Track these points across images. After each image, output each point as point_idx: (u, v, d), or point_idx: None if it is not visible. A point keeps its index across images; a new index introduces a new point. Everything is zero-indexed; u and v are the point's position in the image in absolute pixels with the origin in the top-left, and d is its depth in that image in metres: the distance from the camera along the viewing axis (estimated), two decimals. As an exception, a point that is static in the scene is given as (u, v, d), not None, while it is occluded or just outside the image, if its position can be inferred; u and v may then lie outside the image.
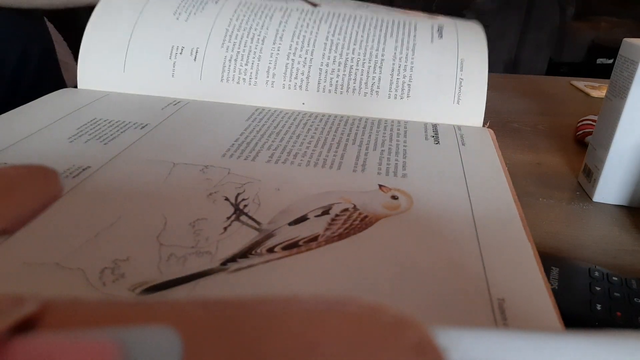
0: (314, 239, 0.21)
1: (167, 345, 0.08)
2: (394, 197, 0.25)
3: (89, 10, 0.40)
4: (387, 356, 0.08)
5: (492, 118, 0.53)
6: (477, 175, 0.28)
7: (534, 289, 0.19)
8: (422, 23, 0.39)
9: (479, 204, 0.25)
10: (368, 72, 0.36)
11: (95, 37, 0.39)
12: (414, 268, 0.20)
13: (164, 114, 0.34)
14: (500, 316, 0.18)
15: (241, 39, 0.38)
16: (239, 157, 0.28)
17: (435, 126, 0.34)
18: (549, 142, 0.46)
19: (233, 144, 0.30)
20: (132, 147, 0.29)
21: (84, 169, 0.26)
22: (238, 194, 0.25)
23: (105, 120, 0.33)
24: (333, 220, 0.23)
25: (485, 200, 0.26)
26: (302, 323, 0.08)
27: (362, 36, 0.38)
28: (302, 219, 0.23)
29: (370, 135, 0.32)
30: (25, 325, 0.08)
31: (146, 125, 0.32)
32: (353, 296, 0.09)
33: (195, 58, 0.38)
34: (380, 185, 0.26)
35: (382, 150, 0.30)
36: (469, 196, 0.26)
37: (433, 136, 0.33)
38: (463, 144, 0.31)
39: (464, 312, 0.18)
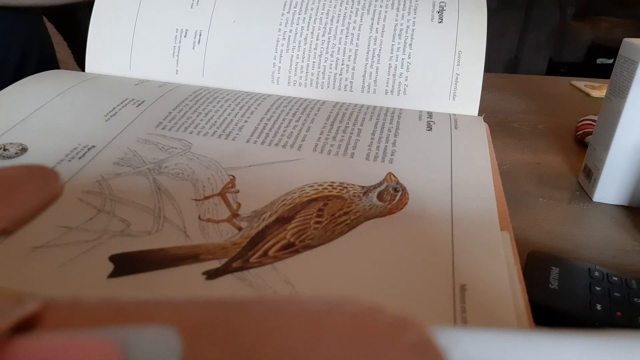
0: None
1: (167, 345, 0.08)
2: (396, 190, 0.25)
3: (87, 11, 0.40)
4: (387, 356, 0.08)
5: (492, 118, 0.53)
6: (464, 162, 0.28)
7: (498, 278, 0.20)
8: (423, 2, 0.38)
9: (459, 192, 0.25)
10: (365, 70, 0.36)
11: (100, 26, 0.39)
12: (390, 253, 0.21)
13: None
14: (460, 300, 0.18)
15: (245, 33, 0.38)
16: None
17: (430, 113, 0.34)
18: (548, 142, 0.46)
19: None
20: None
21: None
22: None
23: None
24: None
25: (466, 188, 0.26)
26: (301, 323, 0.08)
27: (363, 19, 0.37)
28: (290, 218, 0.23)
29: (363, 121, 0.32)
30: (25, 325, 0.08)
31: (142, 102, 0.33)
32: (352, 296, 0.09)
33: (199, 41, 0.38)
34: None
35: (372, 133, 0.30)
36: (451, 182, 0.27)
37: (427, 121, 0.33)
38: (455, 128, 0.32)
39: (426, 295, 0.18)
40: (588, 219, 0.32)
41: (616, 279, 0.23)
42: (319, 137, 0.30)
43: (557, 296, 0.22)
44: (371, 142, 0.29)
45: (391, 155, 0.28)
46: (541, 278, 0.23)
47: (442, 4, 0.37)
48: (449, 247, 0.21)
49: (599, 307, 0.21)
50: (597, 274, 0.23)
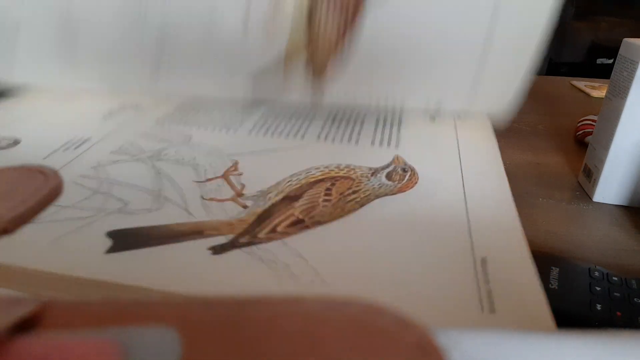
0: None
1: (167, 345, 0.08)
2: (404, 170, 0.25)
3: None
4: (387, 356, 0.08)
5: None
6: (471, 146, 0.28)
7: (518, 251, 0.20)
8: None
9: (469, 171, 0.26)
10: None
11: None
12: (405, 227, 0.21)
13: None
14: (483, 273, 0.18)
15: None
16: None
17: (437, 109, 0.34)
18: (548, 142, 0.46)
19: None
20: None
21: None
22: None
23: None
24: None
25: (475, 168, 0.26)
26: (302, 323, 0.08)
27: None
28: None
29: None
30: (25, 325, 0.08)
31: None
32: (353, 297, 0.09)
33: None
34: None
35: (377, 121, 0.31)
36: (460, 164, 0.27)
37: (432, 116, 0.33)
38: (459, 118, 0.32)
39: (446, 270, 0.18)
40: (588, 219, 0.32)
41: (616, 279, 0.23)
42: (322, 127, 0.30)
43: (557, 296, 0.22)
44: (375, 129, 0.29)
45: (397, 140, 0.29)
46: (541, 278, 0.23)
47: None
48: (464, 222, 0.21)
49: (599, 307, 0.21)
50: (597, 274, 0.23)
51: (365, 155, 0.27)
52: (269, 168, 0.26)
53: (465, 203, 0.23)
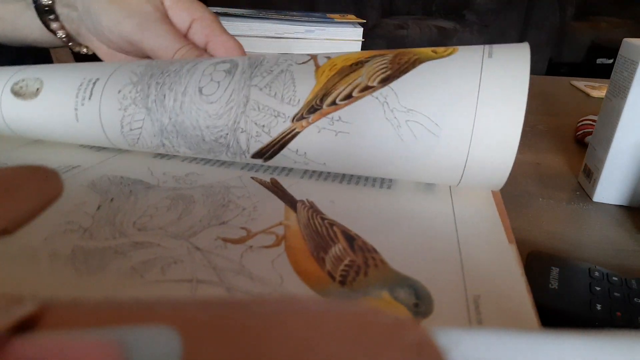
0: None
1: (167, 345, 0.08)
2: None
3: None
4: (387, 356, 0.08)
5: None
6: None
7: (513, 288, 0.20)
8: None
9: (462, 213, 0.26)
10: None
11: None
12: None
13: None
14: (475, 312, 0.18)
15: None
16: None
17: None
18: (548, 142, 0.46)
19: None
20: None
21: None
22: None
23: None
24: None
25: (469, 209, 0.26)
26: (301, 323, 0.08)
27: None
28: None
29: None
30: (25, 325, 0.08)
31: None
32: (352, 298, 0.09)
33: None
34: None
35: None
36: (451, 194, 0.27)
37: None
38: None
39: (441, 308, 0.18)
40: (588, 219, 0.32)
41: (616, 279, 0.23)
42: None
43: (557, 296, 0.22)
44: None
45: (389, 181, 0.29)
46: (541, 278, 0.23)
47: None
48: (457, 258, 0.21)
49: (599, 307, 0.21)
50: (597, 274, 0.23)
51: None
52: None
53: (458, 241, 0.23)
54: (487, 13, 1.77)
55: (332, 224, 0.24)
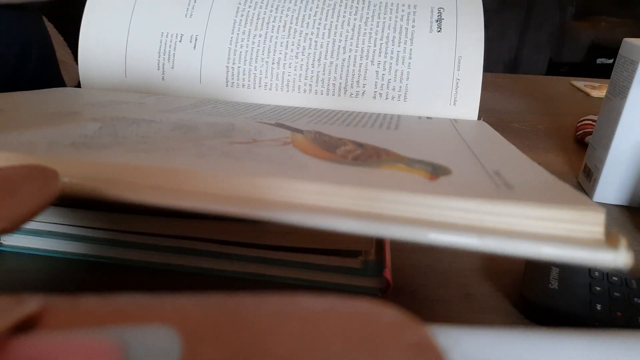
0: None
1: (167, 345, 0.08)
2: None
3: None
4: (387, 356, 0.08)
5: (492, 118, 0.53)
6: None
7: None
8: (422, 10, 0.38)
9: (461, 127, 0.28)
10: (365, 75, 0.36)
11: (93, 32, 0.39)
12: None
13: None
14: (499, 179, 0.17)
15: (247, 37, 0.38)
16: None
17: (430, 118, 0.35)
18: (549, 142, 0.46)
19: None
20: None
21: None
22: None
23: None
24: None
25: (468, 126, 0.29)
26: (301, 323, 0.08)
27: (363, 29, 0.37)
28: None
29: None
30: (25, 325, 0.08)
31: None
32: (352, 297, 0.09)
33: (195, 47, 0.38)
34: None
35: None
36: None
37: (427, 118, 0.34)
38: (456, 121, 0.33)
39: (461, 175, 0.18)
40: (588, 219, 0.32)
41: (616, 279, 0.23)
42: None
43: (557, 296, 0.22)
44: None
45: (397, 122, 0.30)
46: (541, 278, 0.23)
47: (440, 12, 0.37)
48: (470, 153, 0.23)
49: (599, 307, 0.21)
50: (597, 274, 0.23)
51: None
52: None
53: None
54: (487, 13, 1.77)
55: (341, 138, 0.24)
